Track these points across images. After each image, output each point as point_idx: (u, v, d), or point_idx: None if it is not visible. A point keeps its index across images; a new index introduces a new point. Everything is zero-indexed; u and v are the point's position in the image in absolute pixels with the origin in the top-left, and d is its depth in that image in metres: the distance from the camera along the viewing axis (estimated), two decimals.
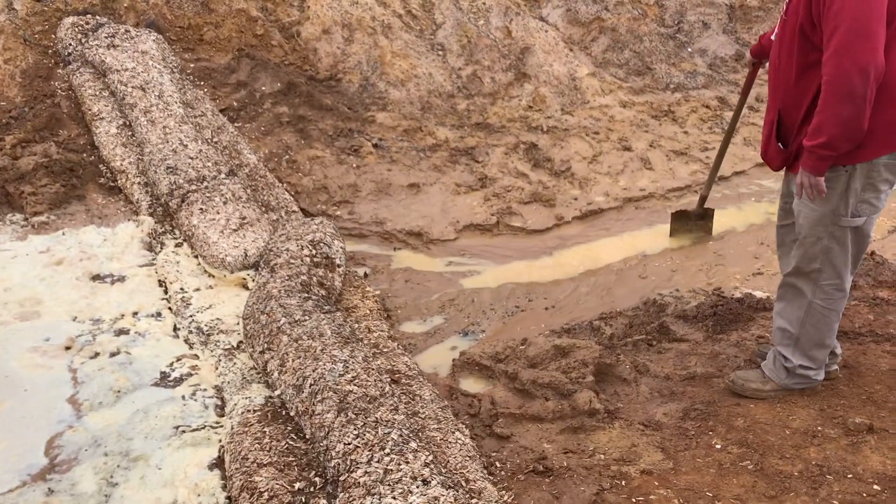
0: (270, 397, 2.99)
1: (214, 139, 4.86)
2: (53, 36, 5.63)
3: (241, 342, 3.41)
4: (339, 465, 2.45)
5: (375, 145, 5.63)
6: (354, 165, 5.41)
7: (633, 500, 2.68)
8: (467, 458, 2.73)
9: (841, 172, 2.80)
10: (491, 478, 2.75)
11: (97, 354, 3.34)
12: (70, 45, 5.44)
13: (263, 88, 5.84)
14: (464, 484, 2.57)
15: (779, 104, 2.93)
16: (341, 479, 2.41)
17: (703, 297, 4.27)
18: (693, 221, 4.97)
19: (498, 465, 2.89)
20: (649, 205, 5.47)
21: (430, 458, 2.44)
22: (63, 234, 4.13)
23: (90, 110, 4.98)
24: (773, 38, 3.01)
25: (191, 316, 3.60)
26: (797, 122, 2.89)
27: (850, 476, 2.77)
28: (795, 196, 2.93)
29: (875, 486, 2.71)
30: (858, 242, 2.97)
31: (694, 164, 5.95)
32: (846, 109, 2.62)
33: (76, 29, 5.52)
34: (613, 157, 5.91)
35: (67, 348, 3.36)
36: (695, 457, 2.92)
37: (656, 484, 2.76)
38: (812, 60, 2.74)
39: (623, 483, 2.77)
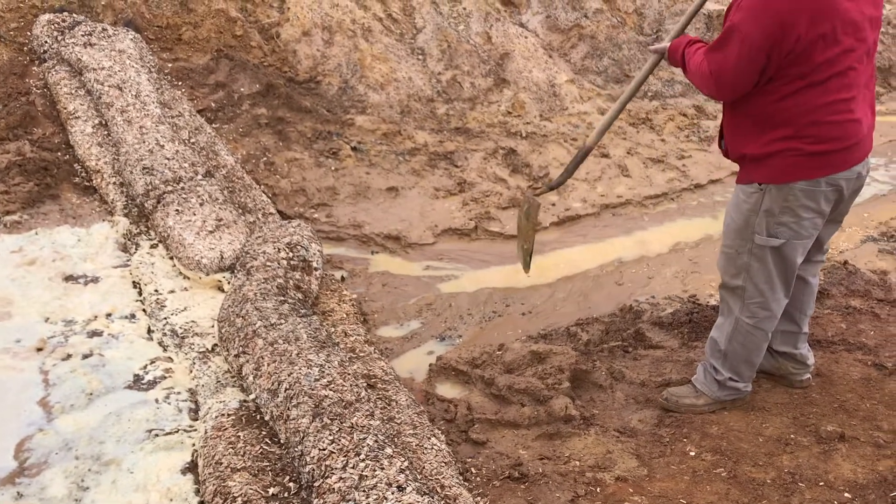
0: (245, 401, 2.97)
1: (192, 140, 4.83)
2: (29, 33, 5.56)
3: (215, 345, 3.39)
4: (313, 470, 2.44)
5: (354, 148, 5.61)
6: (333, 168, 5.39)
7: None
8: (443, 464, 2.73)
9: (755, 188, 2.86)
10: (466, 484, 2.75)
11: (69, 356, 3.29)
12: (46, 42, 5.38)
13: (242, 89, 5.81)
14: (439, 490, 2.57)
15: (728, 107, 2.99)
16: (316, 484, 2.39)
17: (678, 304, 4.29)
18: (523, 219, 3.94)
19: (473, 471, 2.89)
20: (626, 211, 5.50)
21: (406, 463, 2.43)
22: (36, 233, 4.08)
23: (65, 109, 4.92)
24: None
25: (165, 318, 3.57)
26: (727, 127, 2.98)
27: (821, 484, 2.80)
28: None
29: (846, 494, 2.74)
30: (781, 265, 2.96)
31: (671, 172, 6.00)
32: (698, 80, 2.86)
33: (52, 26, 5.46)
34: (591, 163, 5.94)
35: (39, 350, 3.31)
36: (669, 464, 2.94)
37: (631, 491, 2.77)
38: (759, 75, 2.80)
39: (598, 490, 2.77)
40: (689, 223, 5.44)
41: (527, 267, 3.91)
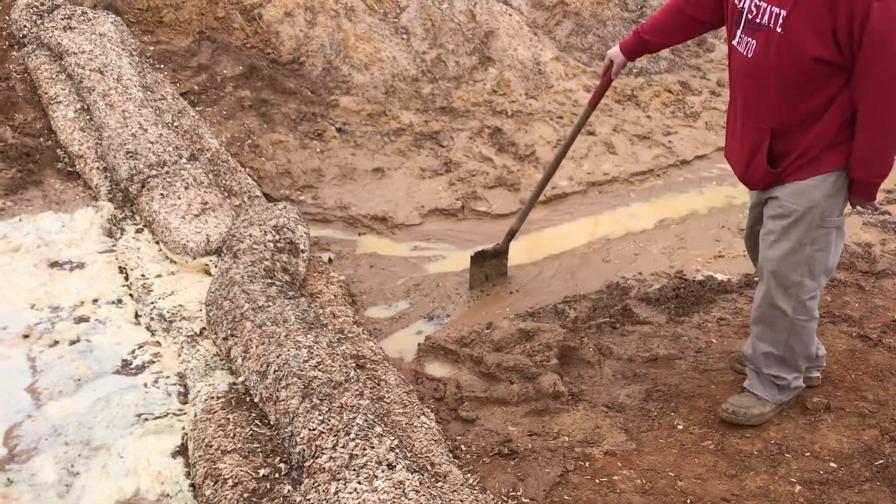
0: (234, 384, 2.97)
1: (175, 123, 4.79)
2: (7, 17, 5.50)
3: (203, 329, 3.38)
4: (303, 450, 2.45)
5: (339, 129, 5.58)
6: (318, 150, 5.36)
7: (597, 480, 2.72)
8: (433, 442, 2.75)
9: (830, 176, 2.68)
10: (456, 461, 2.77)
11: (56, 342, 3.28)
12: (25, 26, 5.32)
13: (225, 72, 5.76)
14: (429, 468, 2.59)
15: (771, 123, 2.69)
16: (306, 464, 2.40)
17: (665, 279, 4.31)
18: (487, 262, 4.33)
19: (463, 448, 2.91)
20: (613, 189, 5.50)
21: (396, 442, 2.44)
22: (20, 220, 4.05)
23: (47, 94, 4.87)
24: (738, 47, 2.74)
25: (152, 303, 3.56)
26: (803, 139, 2.67)
27: (807, 454, 2.84)
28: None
29: (832, 464, 2.78)
30: (840, 241, 2.85)
31: (657, 149, 6.00)
32: (892, 138, 2.55)
33: (31, 10, 5.39)
34: (577, 141, 5.90)
35: (26, 336, 3.30)
36: (657, 437, 2.96)
37: (619, 465, 2.80)
38: (825, 73, 2.54)
39: (587, 464, 2.80)
40: (676, 199, 5.46)
41: (476, 287, 4.29)
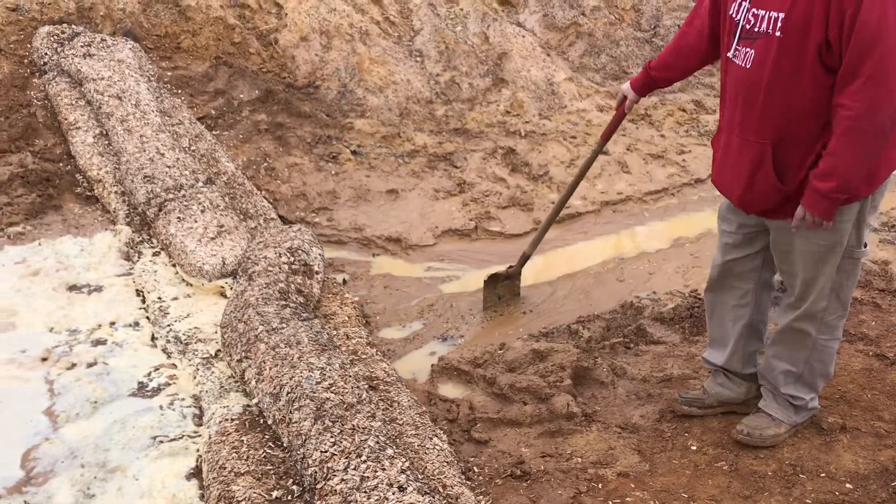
0: (248, 406, 2.99)
1: (192, 147, 4.86)
2: (29, 45, 5.60)
3: (219, 351, 3.41)
4: (316, 472, 2.46)
5: (354, 152, 5.63)
6: (333, 172, 5.41)
7: (610, 502, 2.71)
8: (445, 464, 2.75)
9: (854, 206, 2.61)
10: (469, 483, 2.77)
11: (74, 365, 3.32)
12: (46, 54, 5.42)
13: (241, 96, 5.83)
14: (441, 490, 2.59)
15: (772, 135, 2.57)
16: (318, 487, 2.42)
17: (679, 299, 4.30)
18: (500, 283, 4.33)
19: (476, 470, 2.91)
20: (626, 208, 5.50)
21: (407, 464, 2.45)
22: (39, 244, 4.11)
23: (66, 119, 4.95)
24: (735, 59, 2.64)
25: (169, 325, 3.59)
26: (804, 153, 2.57)
27: (823, 475, 2.82)
28: (794, 230, 2.64)
29: (847, 485, 2.76)
30: (859, 265, 2.83)
31: (671, 168, 6.00)
32: (872, 149, 2.40)
33: (52, 38, 5.49)
34: None
35: (44, 360, 3.34)
36: (671, 458, 2.95)
37: (633, 486, 2.79)
38: (827, 83, 2.43)
39: (600, 486, 2.79)
40: (690, 218, 5.45)
41: (489, 308, 4.29)
